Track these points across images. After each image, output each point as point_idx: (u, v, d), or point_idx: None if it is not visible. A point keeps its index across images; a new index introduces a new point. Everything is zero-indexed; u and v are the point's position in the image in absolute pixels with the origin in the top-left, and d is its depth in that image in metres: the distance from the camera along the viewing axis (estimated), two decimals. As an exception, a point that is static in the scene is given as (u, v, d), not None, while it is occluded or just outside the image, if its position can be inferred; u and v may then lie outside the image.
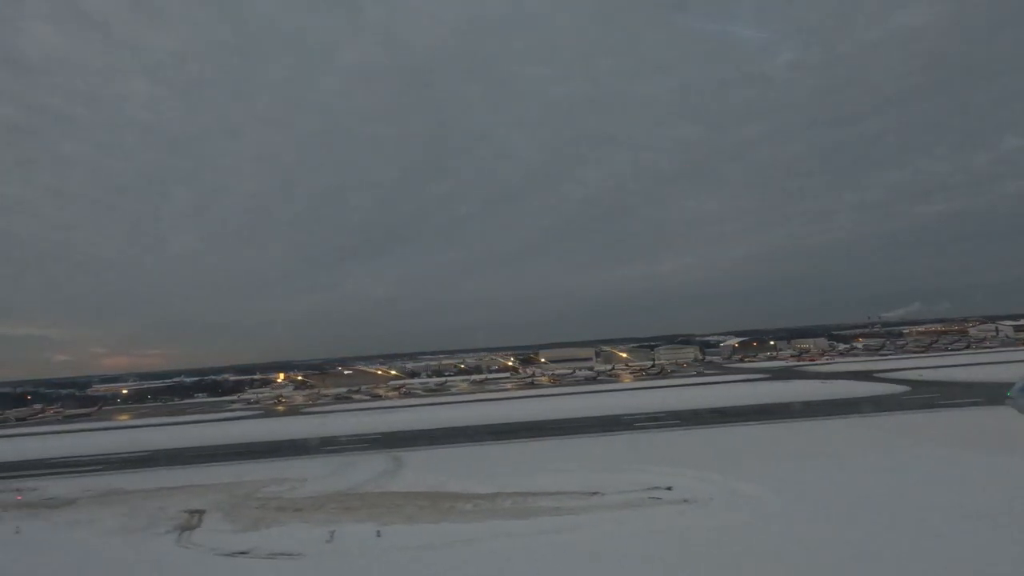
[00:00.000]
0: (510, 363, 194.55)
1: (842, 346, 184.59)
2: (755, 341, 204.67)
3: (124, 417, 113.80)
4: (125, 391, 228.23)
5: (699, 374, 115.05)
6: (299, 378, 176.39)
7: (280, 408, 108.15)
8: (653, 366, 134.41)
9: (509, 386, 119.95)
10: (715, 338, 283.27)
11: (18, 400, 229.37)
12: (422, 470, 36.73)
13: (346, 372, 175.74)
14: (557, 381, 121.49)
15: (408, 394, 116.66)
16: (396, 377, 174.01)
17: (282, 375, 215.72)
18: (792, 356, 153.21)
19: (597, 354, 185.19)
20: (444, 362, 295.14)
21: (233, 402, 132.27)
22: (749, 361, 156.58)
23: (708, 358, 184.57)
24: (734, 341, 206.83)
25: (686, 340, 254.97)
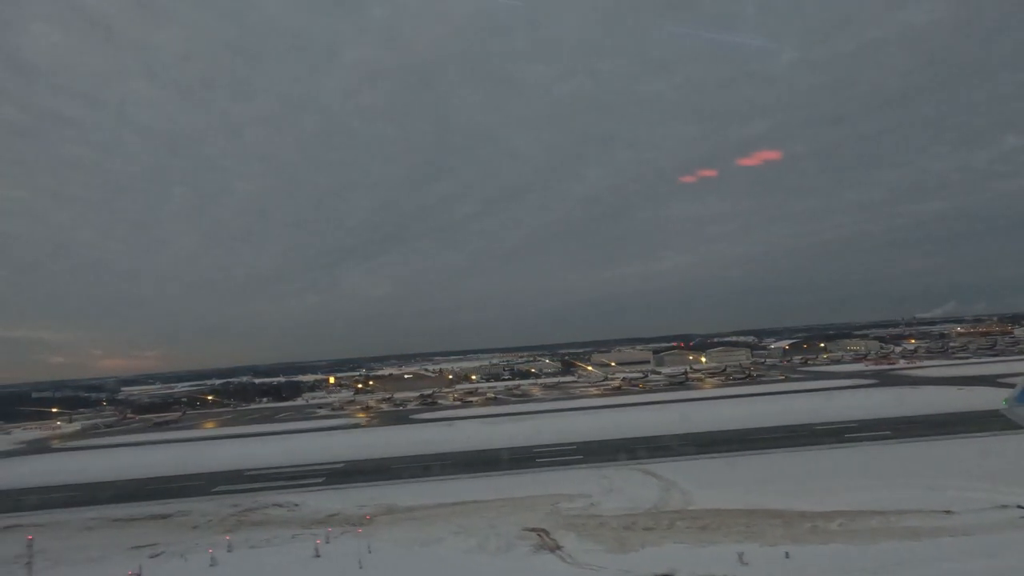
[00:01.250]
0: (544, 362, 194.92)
1: (895, 348, 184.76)
2: (805, 343, 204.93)
3: (211, 424, 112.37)
4: (150, 393, 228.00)
5: (787, 379, 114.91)
6: (360, 385, 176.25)
7: (367, 415, 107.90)
8: (739, 369, 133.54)
9: (594, 391, 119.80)
10: (732, 337, 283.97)
11: (68, 403, 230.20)
12: (704, 484, 36.89)
13: (406, 376, 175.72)
14: (641, 385, 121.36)
15: (495, 400, 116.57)
16: (452, 380, 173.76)
17: (332, 378, 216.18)
18: (859, 358, 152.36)
19: (655, 353, 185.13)
20: (493, 363, 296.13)
21: (314, 408, 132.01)
22: (812, 363, 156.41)
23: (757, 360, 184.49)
24: (785, 343, 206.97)
25: (685, 341, 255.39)
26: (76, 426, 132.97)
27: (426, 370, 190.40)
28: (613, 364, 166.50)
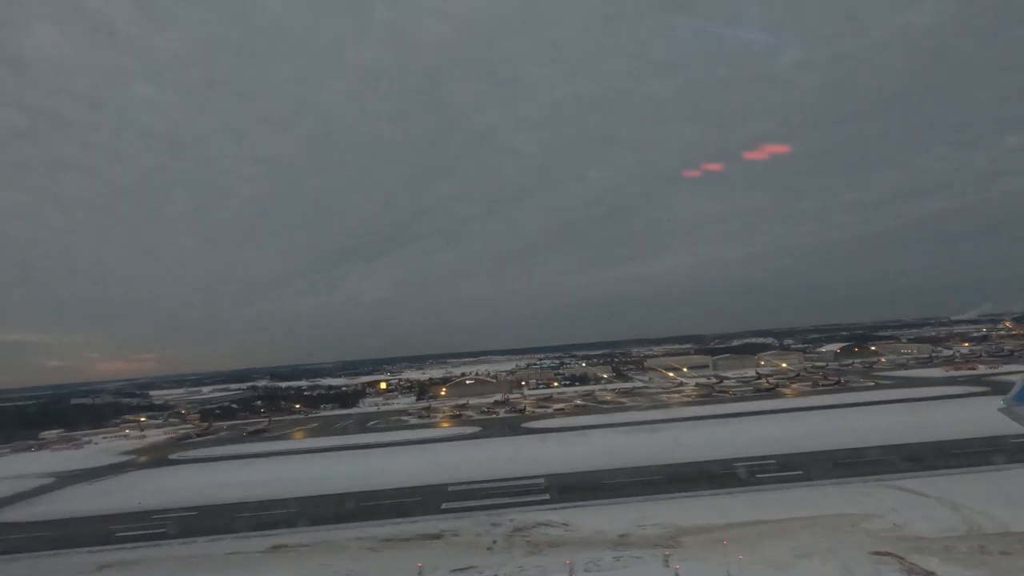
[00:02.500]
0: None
1: (945, 351, 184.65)
2: (856, 346, 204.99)
3: (300, 435, 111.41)
4: (187, 398, 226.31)
5: (878, 386, 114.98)
6: (420, 390, 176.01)
7: (453, 422, 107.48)
8: (824, 376, 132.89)
9: (679, 397, 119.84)
10: (750, 339, 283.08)
11: (110, 409, 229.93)
12: (991, 503, 36.90)
13: (468, 381, 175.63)
14: (730, 391, 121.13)
15: (587, 407, 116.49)
16: (513, 386, 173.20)
17: (384, 383, 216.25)
18: (948, 363, 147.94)
19: (711, 355, 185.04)
20: (519, 367, 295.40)
21: (396, 415, 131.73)
22: (880, 369, 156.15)
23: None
24: (836, 346, 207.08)
25: (695, 342, 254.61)
26: (158, 434, 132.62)
27: (487, 375, 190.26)
28: (686, 369, 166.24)
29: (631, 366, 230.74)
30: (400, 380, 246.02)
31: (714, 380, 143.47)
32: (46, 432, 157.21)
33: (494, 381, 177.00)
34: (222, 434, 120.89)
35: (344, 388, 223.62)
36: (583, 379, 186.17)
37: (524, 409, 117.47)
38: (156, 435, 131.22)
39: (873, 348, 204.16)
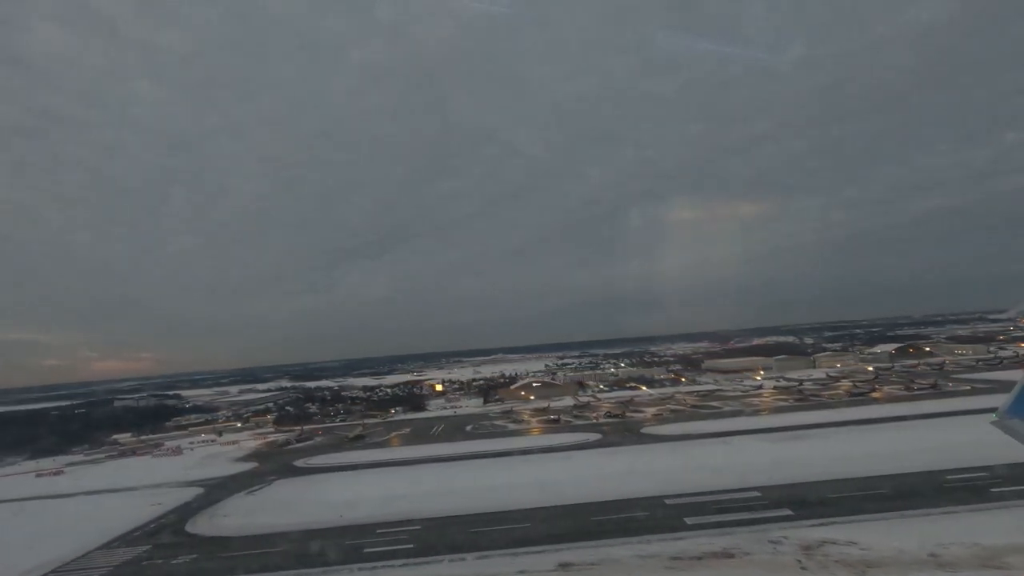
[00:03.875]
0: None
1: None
2: (910, 347, 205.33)
3: (395, 442, 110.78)
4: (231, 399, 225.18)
5: (974, 390, 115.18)
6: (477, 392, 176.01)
7: (555, 426, 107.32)
8: (912, 379, 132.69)
9: (769, 400, 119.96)
10: (767, 338, 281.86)
11: (155, 412, 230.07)
12: None
13: (535, 384, 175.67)
14: (826, 395, 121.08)
15: (681, 412, 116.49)
16: (567, 389, 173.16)
17: (439, 385, 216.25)
18: (994, 364, 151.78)
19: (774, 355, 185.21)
20: (548, 366, 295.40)
21: (486, 420, 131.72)
22: (954, 372, 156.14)
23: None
24: (890, 347, 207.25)
25: (705, 339, 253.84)
26: (242, 438, 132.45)
27: (551, 376, 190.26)
28: (761, 371, 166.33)
29: (674, 366, 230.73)
30: (444, 381, 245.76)
31: (794, 382, 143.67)
32: (118, 436, 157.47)
33: (559, 383, 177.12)
34: (318, 440, 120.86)
35: (404, 390, 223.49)
36: (640, 381, 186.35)
37: (623, 413, 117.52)
38: (242, 439, 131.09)
39: (927, 349, 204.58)
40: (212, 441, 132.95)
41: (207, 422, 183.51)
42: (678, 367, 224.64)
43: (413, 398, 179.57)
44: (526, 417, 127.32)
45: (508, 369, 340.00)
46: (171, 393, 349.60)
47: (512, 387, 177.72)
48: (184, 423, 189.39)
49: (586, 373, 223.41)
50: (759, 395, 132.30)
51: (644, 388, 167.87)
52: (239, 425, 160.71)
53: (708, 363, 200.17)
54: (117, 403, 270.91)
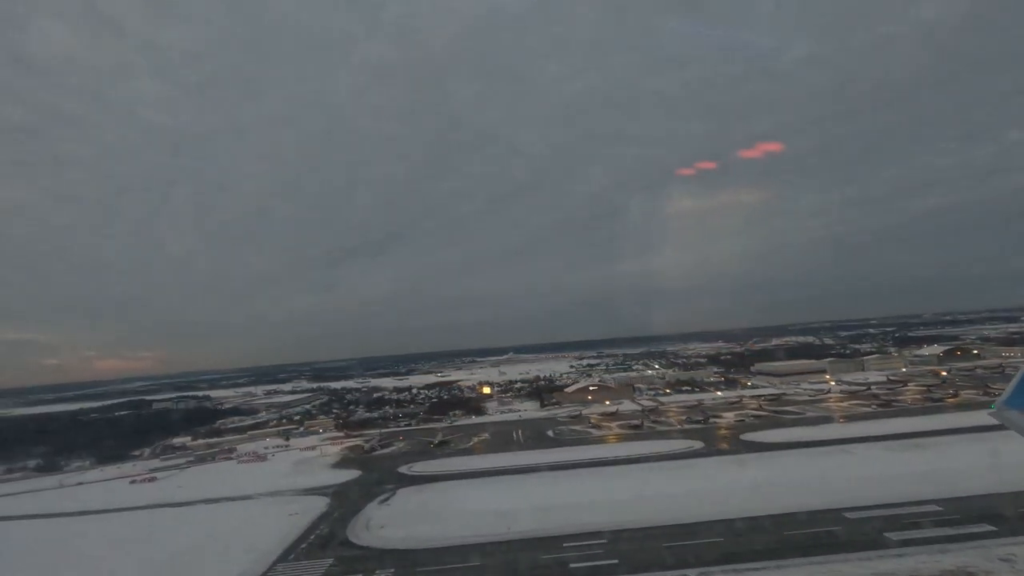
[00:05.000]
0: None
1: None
2: (958, 349, 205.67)
3: (480, 448, 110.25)
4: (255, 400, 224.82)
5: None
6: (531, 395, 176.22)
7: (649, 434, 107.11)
8: (985, 384, 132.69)
9: (846, 406, 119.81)
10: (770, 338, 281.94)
11: (195, 415, 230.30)
12: None
13: (591, 387, 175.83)
14: (909, 400, 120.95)
15: (764, 419, 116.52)
16: (622, 392, 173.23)
17: (487, 388, 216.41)
18: None
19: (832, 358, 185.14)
20: (573, 366, 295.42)
21: (560, 426, 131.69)
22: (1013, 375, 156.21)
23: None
24: (938, 349, 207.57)
25: (719, 339, 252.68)
26: (313, 442, 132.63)
27: (603, 381, 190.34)
28: (829, 379, 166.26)
29: (707, 367, 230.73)
30: (483, 383, 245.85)
31: (859, 387, 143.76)
32: (179, 439, 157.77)
33: (613, 386, 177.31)
34: (399, 445, 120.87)
35: (446, 392, 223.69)
36: (689, 384, 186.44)
37: (706, 419, 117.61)
38: (314, 443, 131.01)
39: (975, 352, 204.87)
40: (285, 446, 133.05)
41: (256, 425, 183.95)
42: (719, 369, 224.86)
43: (469, 401, 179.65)
44: (601, 422, 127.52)
45: (530, 369, 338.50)
46: (201, 395, 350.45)
47: (566, 390, 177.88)
48: (231, 426, 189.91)
49: (627, 375, 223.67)
50: (830, 399, 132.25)
51: (701, 391, 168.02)
52: (301, 429, 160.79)
53: (758, 366, 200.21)
54: (155, 406, 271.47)
